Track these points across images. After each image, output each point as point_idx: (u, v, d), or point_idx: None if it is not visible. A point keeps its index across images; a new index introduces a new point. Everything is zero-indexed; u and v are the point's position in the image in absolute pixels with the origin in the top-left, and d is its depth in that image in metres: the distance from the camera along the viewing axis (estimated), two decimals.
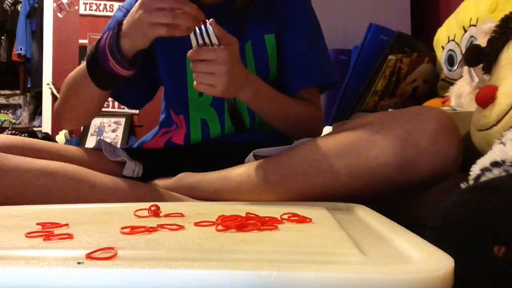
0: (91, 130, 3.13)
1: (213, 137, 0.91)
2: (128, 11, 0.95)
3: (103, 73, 0.79)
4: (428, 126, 0.64)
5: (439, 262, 0.31)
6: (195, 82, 0.73)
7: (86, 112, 0.90)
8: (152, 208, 0.54)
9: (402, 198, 0.75)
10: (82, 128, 3.16)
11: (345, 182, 0.68)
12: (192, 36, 0.72)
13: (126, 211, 0.58)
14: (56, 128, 3.24)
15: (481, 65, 0.72)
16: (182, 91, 0.91)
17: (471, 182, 0.56)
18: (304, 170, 0.70)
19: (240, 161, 0.78)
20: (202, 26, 0.72)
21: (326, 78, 0.95)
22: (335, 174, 0.68)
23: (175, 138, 0.93)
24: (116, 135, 3.02)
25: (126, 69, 0.78)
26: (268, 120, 0.88)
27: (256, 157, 0.78)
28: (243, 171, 0.75)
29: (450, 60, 1.25)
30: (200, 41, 0.72)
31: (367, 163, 0.66)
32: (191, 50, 0.72)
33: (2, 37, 3.76)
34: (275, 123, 0.89)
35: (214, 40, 0.72)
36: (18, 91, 3.87)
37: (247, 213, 0.50)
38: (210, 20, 0.73)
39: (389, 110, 1.27)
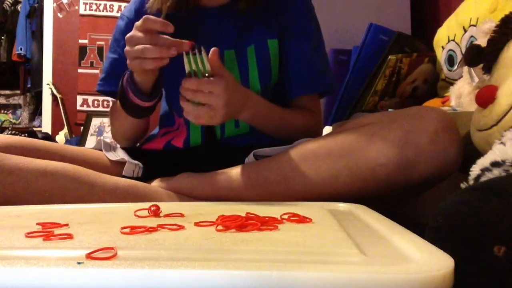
0: (91, 130, 3.14)
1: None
2: (128, 18, 0.96)
3: (131, 105, 0.84)
4: (428, 127, 0.64)
5: (439, 262, 0.31)
6: (191, 116, 0.74)
7: (135, 134, 0.96)
8: (152, 208, 0.54)
9: (402, 198, 0.75)
10: (82, 128, 3.16)
11: (345, 182, 0.68)
12: (185, 60, 0.73)
13: (126, 211, 0.58)
14: (56, 128, 3.25)
15: (481, 65, 0.72)
16: None
17: (471, 182, 0.56)
18: (304, 170, 0.70)
19: (240, 163, 0.78)
20: (197, 52, 0.72)
21: (327, 86, 0.96)
22: (335, 174, 0.68)
23: (175, 141, 0.93)
24: None
25: (146, 101, 0.83)
26: (266, 133, 0.89)
27: (257, 157, 0.78)
28: (243, 171, 0.75)
29: (450, 60, 1.25)
30: (193, 67, 0.73)
31: (367, 163, 0.66)
32: (185, 79, 0.73)
33: (2, 37, 3.76)
34: (273, 135, 0.89)
35: (208, 67, 0.72)
36: (18, 91, 3.86)
37: (247, 213, 0.50)
38: (213, 49, 0.73)
39: (389, 110, 1.27)
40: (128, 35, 0.74)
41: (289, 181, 0.71)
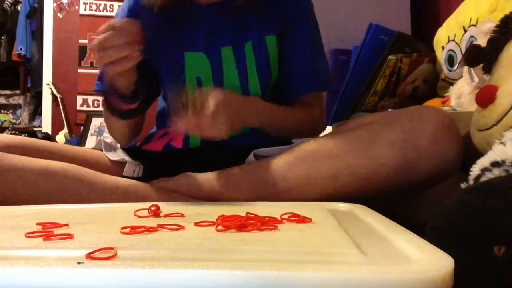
0: (91, 130, 3.13)
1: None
2: (121, 17, 0.95)
3: (117, 110, 0.84)
4: (428, 126, 0.64)
5: (439, 262, 0.31)
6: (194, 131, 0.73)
7: (132, 133, 0.96)
8: (152, 208, 0.54)
9: (402, 198, 0.75)
10: (82, 128, 3.16)
11: (345, 182, 0.68)
12: (173, 101, 0.74)
13: (126, 211, 0.58)
14: (56, 128, 3.25)
15: (481, 65, 0.72)
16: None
17: (471, 182, 0.56)
18: (304, 170, 0.70)
19: (240, 163, 0.78)
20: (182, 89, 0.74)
21: (328, 84, 0.97)
22: (335, 174, 0.68)
23: (174, 142, 0.93)
24: None
25: (128, 103, 0.83)
26: (268, 132, 0.89)
27: (257, 157, 0.78)
28: (243, 171, 0.75)
29: (450, 60, 1.25)
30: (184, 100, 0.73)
31: (367, 163, 0.66)
32: (183, 116, 0.72)
33: (2, 37, 3.76)
34: (275, 134, 0.89)
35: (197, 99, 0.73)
36: (18, 91, 3.86)
37: (247, 213, 0.50)
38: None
39: (389, 110, 1.27)
40: (91, 44, 0.72)
41: (289, 181, 0.71)
